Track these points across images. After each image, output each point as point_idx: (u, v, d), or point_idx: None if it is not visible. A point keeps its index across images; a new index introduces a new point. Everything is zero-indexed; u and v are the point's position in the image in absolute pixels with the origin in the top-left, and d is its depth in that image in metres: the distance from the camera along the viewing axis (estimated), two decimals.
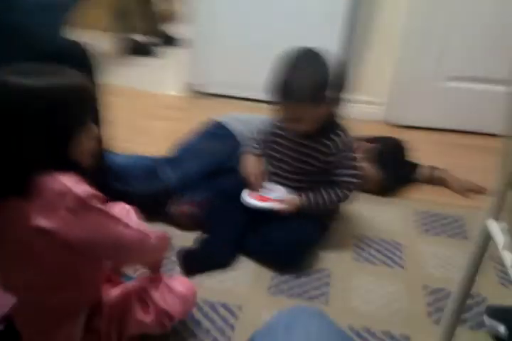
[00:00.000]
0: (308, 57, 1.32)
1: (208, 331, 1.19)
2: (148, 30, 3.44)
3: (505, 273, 1.35)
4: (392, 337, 1.20)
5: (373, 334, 1.21)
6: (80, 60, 1.31)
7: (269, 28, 2.32)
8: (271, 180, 1.48)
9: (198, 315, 1.22)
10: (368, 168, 1.72)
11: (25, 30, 1.25)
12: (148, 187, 1.56)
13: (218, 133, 1.72)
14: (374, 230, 1.62)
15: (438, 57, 2.20)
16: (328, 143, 1.39)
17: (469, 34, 2.12)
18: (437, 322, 1.22)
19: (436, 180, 1.88)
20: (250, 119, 1.76)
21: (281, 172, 1.47)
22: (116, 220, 0.90)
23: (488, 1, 2.06)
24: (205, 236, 1.46)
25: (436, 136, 2.28)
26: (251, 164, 1.48)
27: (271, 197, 1.43)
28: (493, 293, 1.36)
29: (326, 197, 1.41)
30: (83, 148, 0.89)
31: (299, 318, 0.68)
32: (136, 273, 1.19)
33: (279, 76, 1.30)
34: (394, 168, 1.78)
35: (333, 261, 1.46)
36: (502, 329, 1.20)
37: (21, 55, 0.97)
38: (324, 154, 1.40)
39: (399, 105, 2.33)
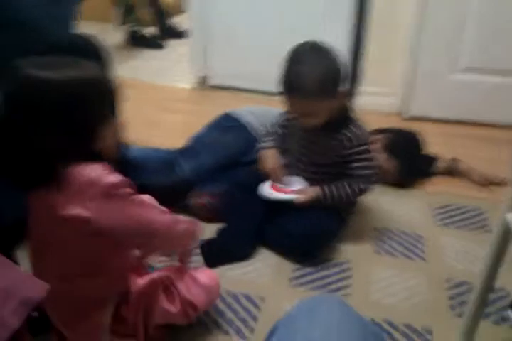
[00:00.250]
0: (314, 51, 1.31)
1: (231, 321, 1.20)
2: (155, 22, 3.44)
3: None
4: (414, 330, 1.21)
5: (396, 327, 1.21)
6: (92, 52, 1.30)
7: (279, 17, 2.31)
8: (287, 173, 1.48)
9: (221, 306, 1.24)
10: (383, 159, 1.72)
11: (34, 24, 1.25)
12: (164, 180, 1.58)
13: (232, 126, 1.72)
14: (394, 223, 1.61)
15: (452, 49, 2.17)
16: (343, 136, 1.38)
17: (483, 25, 2.09)
18: (460, 315, 1.22)
19: (455, 172, 1.87)
20: (264, 112, 1.76)
21: (298, 165, 1.48)
22: (147, 206, 0.92)
23: None
24: (223, 227, 1.48)
25: (449, 127, 2.26)
26: (270, 158, 1.48)
27: (290, 189, 1.44)
28: None
29: (344, 189, 1.41)
30: (107, 140, 0.90)
31: (320, 306, 0.69)
32: (161, 265, 1.20)
33: (287, 71, 1.30)
34: (410, 160, 1.77)
35: (354, 254, 1.46)
36: None
37: (32, 49, 0.98)
38: (339, 147, 1.40)
39: (412, 97, 2.31)
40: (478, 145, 2.12)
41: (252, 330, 1.18)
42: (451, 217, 1.67)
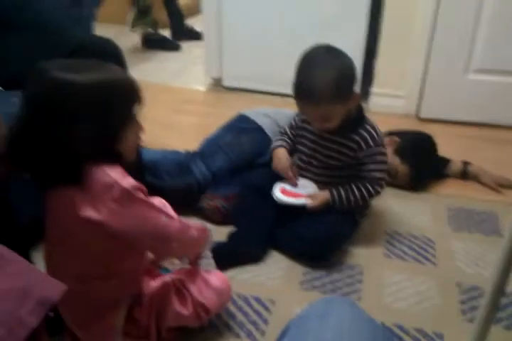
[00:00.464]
0: (327, 55, 1.31)
1: (242, 324, 1.21)
2: (171, 25, 3.43)
3: None
4: (425, 334, 1.21)
5: (406, 332, 1.21)
6: (110, 54, 1.32)
7: (294, 19, 2.31)
8: (299, 175, 1.49)
9: (232, 309, 1.25)
10: (396, 162, 1.72)
11: (55, 26, 1.27)
12: (179, 182, 1.59)
13: (246, 128, 1.73)
14: (405, 226, 1.61)
15: (466, 50, 2.16)
16: (357, 138, 1.39)
17: (496, 26, 2.08)
18: (471, 320, 1.22)
19: (468, 175, 1.86)
20: (278, 113, 1.77)
21: (309, 168, 1.48)
22: (160, 211, 0.93)
23: None
24: (234, 230, 1.49)
25: (463, 129, 2.25)
26: (284, 159, 1.49)
27: (302, 193, 1.44)
28: None
29: (356, 193, 1.41)
30: (129, 142, 0.92)
31: (332, 307, 0.69)
32: (173, 267, 1.22)
33: (300, 77, 1.31)
34: (422, 163, 1.76)
35: (365, 258, 1.46)
36: None
37: (54, 51, 0.99)
38: (353, 150, 1.40)
39: (425, 98, 2.31)
40: (493, 147, 2.11)
41: (262, 333, 1.19)
42: (462, 219, 1.66)
